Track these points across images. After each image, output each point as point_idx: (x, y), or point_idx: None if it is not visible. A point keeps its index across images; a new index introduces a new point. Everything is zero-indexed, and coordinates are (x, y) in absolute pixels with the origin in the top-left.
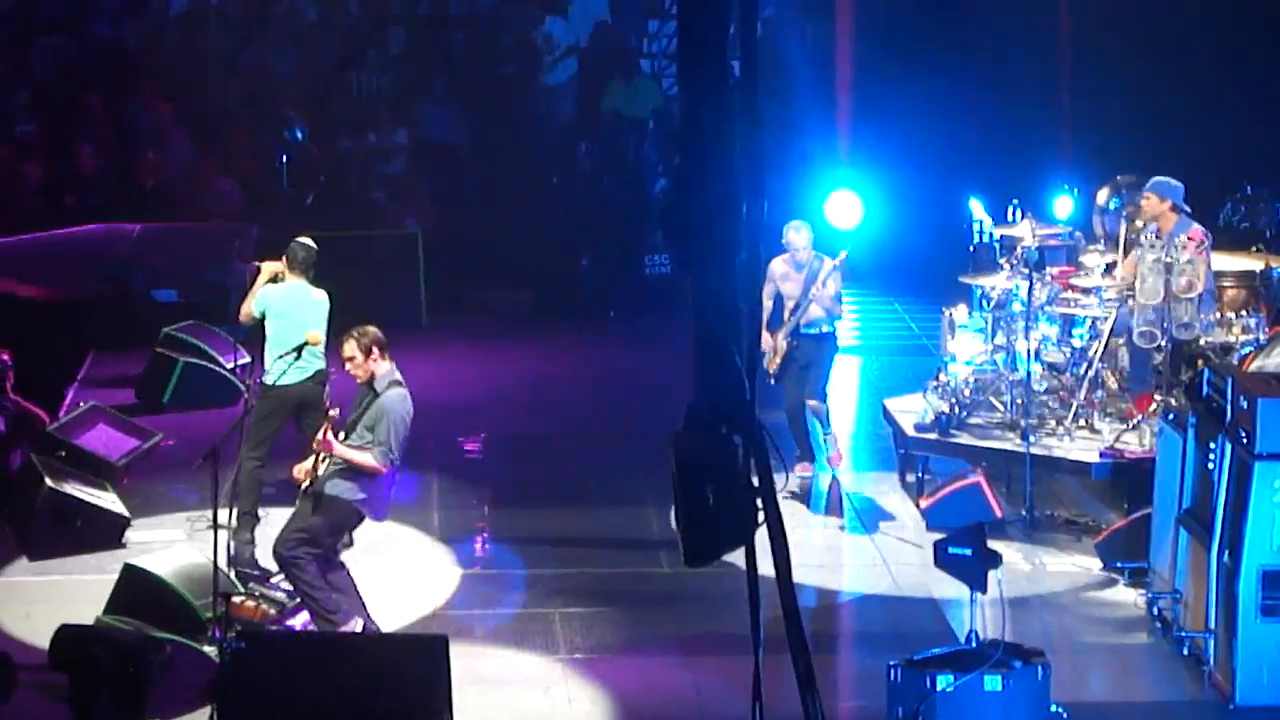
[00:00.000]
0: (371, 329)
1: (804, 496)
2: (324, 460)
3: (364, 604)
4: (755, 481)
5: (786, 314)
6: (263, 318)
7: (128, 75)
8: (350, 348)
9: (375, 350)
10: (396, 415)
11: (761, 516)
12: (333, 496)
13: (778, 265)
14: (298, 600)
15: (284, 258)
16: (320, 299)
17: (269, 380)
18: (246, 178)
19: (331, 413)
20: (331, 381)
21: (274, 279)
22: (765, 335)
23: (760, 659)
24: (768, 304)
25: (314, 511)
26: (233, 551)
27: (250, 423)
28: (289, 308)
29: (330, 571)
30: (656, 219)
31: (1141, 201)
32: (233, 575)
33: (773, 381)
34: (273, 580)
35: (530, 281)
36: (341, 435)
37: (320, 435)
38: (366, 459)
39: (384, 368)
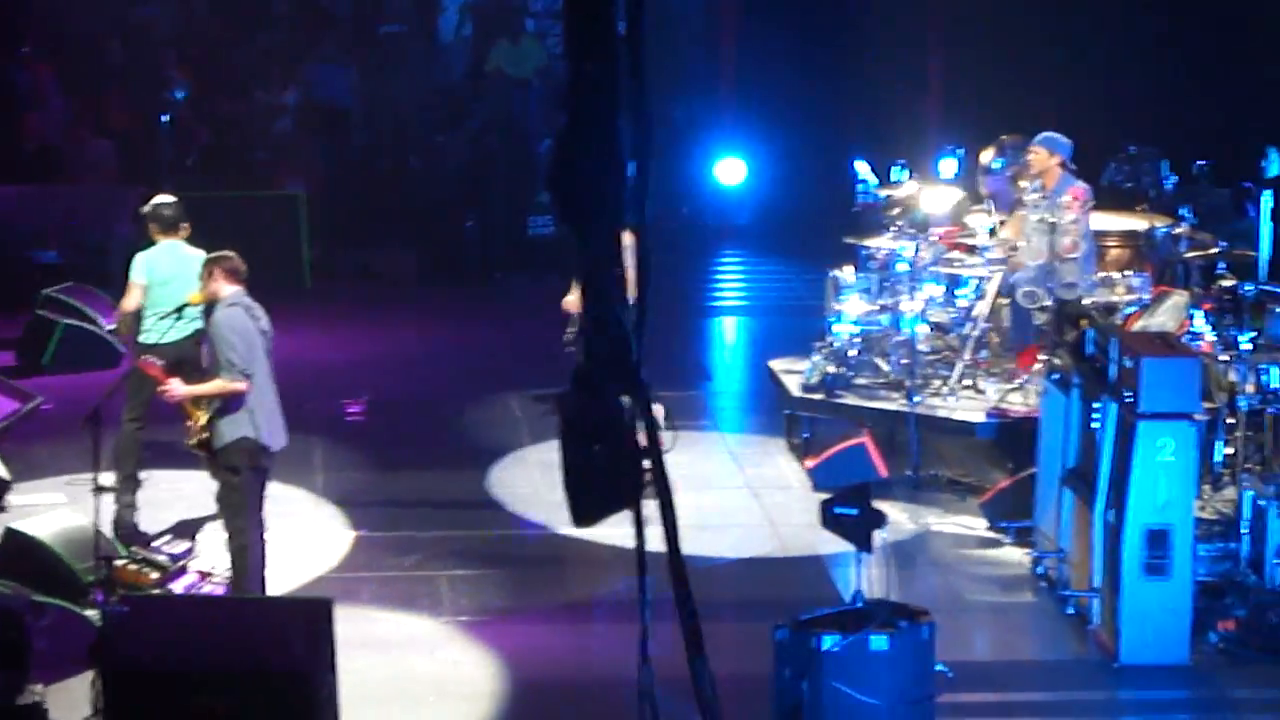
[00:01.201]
0: (229, 255)
1: None
2: (200, 415)
3: (265, 568)
4: (642, 442)
5: None
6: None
7: (6, 36)
8: (203, 271)
9: (218, 273)
10: (224, 329)
11: (649, 478)
12: (227, 445)
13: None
14: (181, 563)
15: (149, 224)
16: (197, 256)
17: (148, 340)
18: (127, 139)
19: (145, 359)
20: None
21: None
22: (573, 300)
23: (647, 622)
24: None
25: (227, 468)
26: (115, 515)
27: (129, 384)
28: (169, 271)
29: (256, 528)
30: (541, 180)
31: (1029, 155)
32: (115, 539)
33: (568, 349)
34: (155, 544)
35: (415, 243)
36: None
37: (163, 391)
38: (215, 385)
39: (227, 291)
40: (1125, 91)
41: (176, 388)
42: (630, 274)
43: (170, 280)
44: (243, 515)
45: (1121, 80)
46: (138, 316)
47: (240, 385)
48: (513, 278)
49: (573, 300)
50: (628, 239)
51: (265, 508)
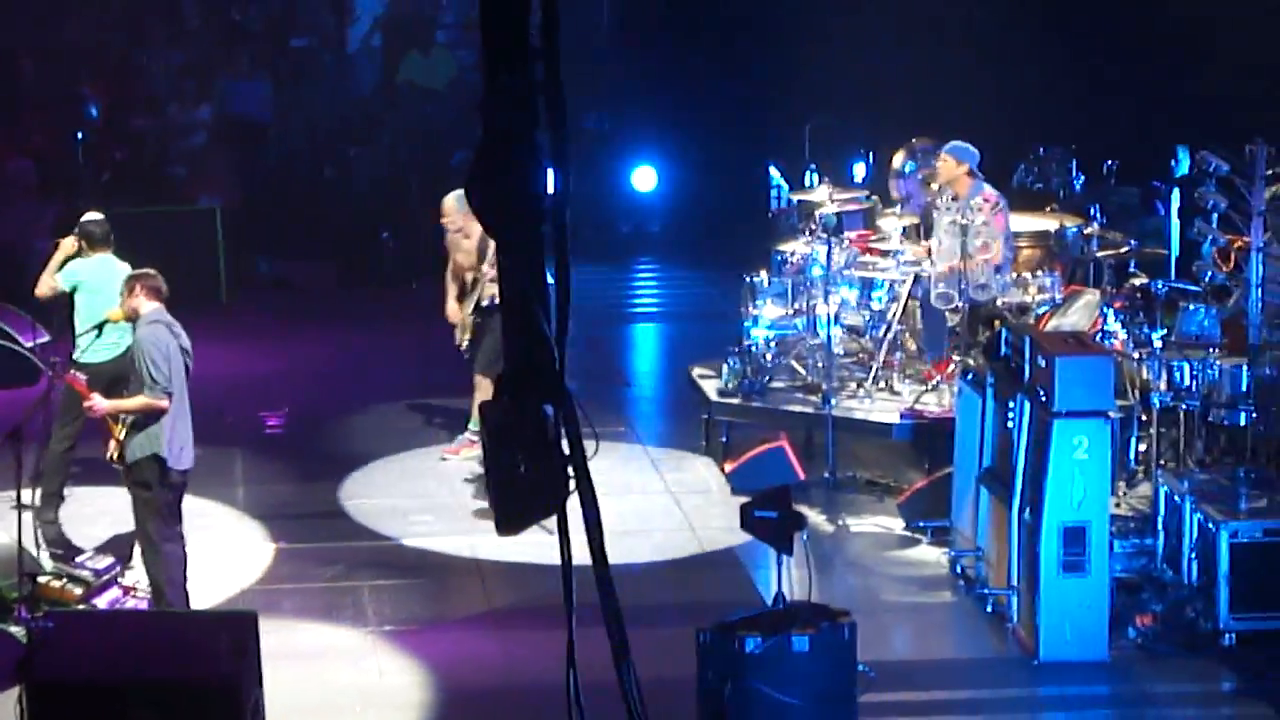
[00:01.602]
0: (150, 272)
1: None
2: (120, 429)
3: (186, 581)
4: (566, 450)
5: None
6: (73, 292)
7: None
8: (124, 286)
9: (139, 289)
10: (147, 346)
11: (572, 485)
12: (139, 459)
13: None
14: (105, 579)
15: (79, 240)
16: (125, 270)
17: (77, 357)
18: (42, 157)
19: (72, 374)
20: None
21: (70, 257)
22: (453, 309)
23: (573, 628)
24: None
25: (140, 484)
26: (37, 531)
27: (60, 402)
28: (101, 283)
29: (172, 543)
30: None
31: (937, 164)
32: (41, 555)
33: (466, 357)
34: (79, 560)
35: (332, 254)
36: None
37: (85, 404)
38: (138, 402)
39: (148, 308)
40: (1033, 91)
41: (99, 402)
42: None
43: (99, 290)
44: (154, 528)
45: (1029, 80)
46: (70, 322)
47: (163, 403)
48: (431, 286)
49: (453, 309)
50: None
51: (183, 521)
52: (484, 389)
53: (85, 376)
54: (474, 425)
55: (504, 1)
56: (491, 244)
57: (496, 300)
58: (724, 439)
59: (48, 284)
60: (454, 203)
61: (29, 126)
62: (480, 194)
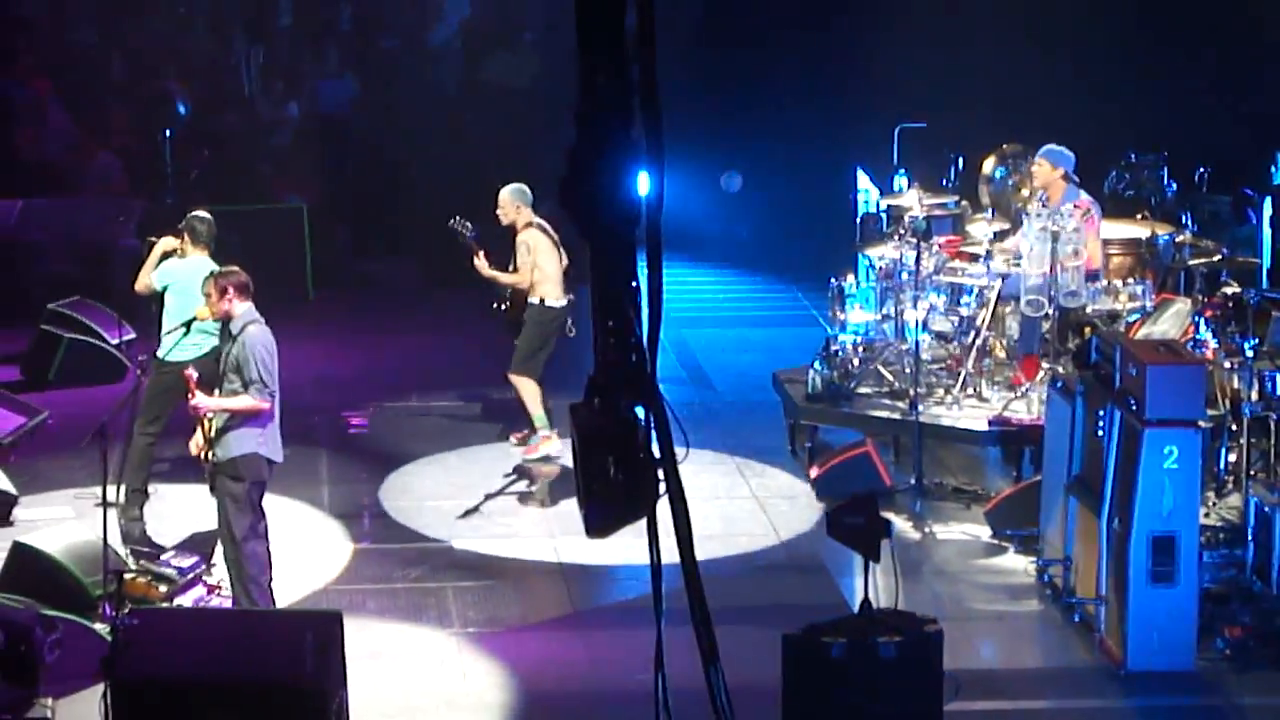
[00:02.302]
0: (235, 270)
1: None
2: (210, 425)
3: (271, 579)
4: (656, 452)
5: None
6: (164, 291)
7: (4, 51)
8: (208, 286)
9: (231, 291)
10: (258, 349)
11: (663, 487)
12: (234, 457)
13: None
14: (189, 576)
15: (183, 234)
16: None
17: (162, 354)
18: (130, 153)
19: (187, 372)
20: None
21: (168, 254)
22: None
23: (662, 630)
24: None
25: (230, 480)
26: (122, 529)
27: (144, 398)
28: (191, 282)
29: (257, 540)
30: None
31: (1033, 168)
32: (124, 552)
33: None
34: (163, 557)
35: (416, 253)
36: (216, 391)
37: (190, 401)
38: (245, 402)
39: (240, 309)
40: (1125, 97)
41: (203, 401)
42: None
43: (189, 290)
44: (241, 526)
45: (1121, 86)
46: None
47: (266, 404)
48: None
49: (482, 264)
50: (547, 225)
51: (266, 519)
52: (520, 386)
53: (196, 374)
54: (539, 422)
55: (601, 5)
56: (530, 242)
57: (532, 298)
58: (810, 444)
59: (144, 281)
60: (506, 195)
61: (118, 123)
62: (574, 195)
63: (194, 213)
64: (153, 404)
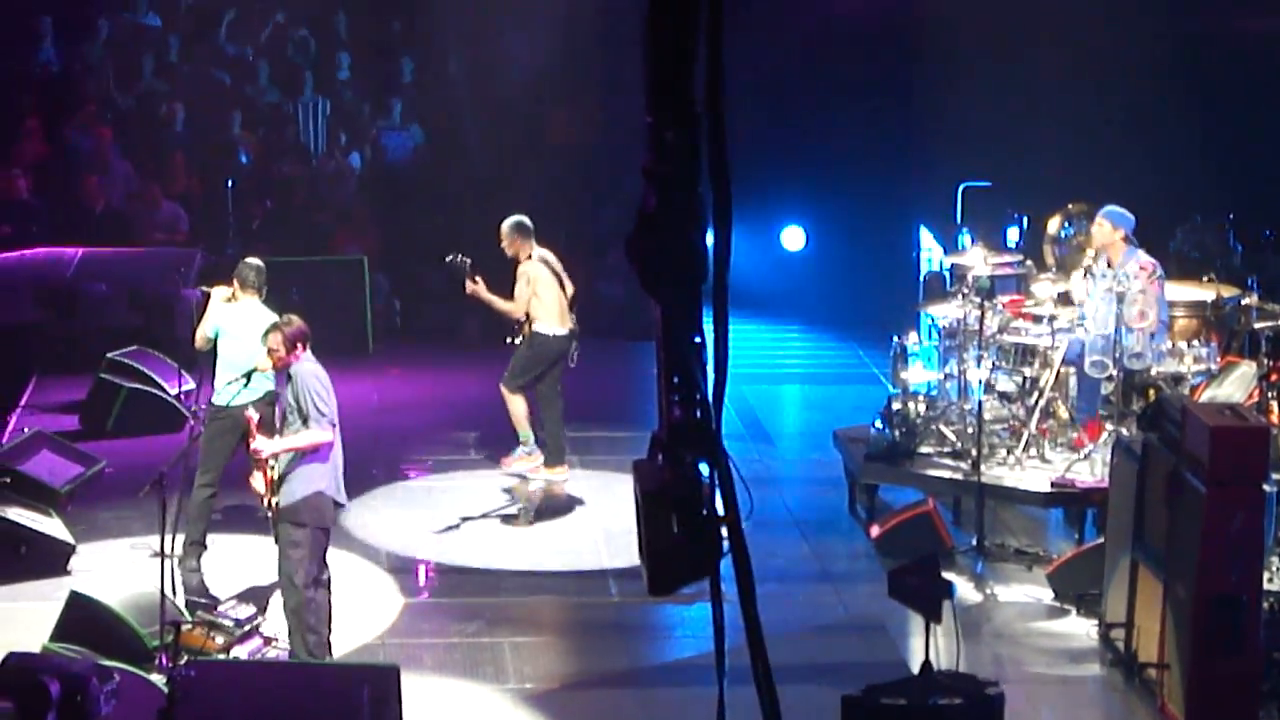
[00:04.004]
0: (296, 320)
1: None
2: (272, 468)
3: (330, 632)
4: (720, 509)
5: None
6: (216, 338)
7: (67, 99)
8: (275, 339)
9: (299, 345)
10: (310, 381)
11: (727, 545)
12: (299, 501)
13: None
14: (247, 628)
15: (234, 280)
16: (271, 317)
17: (220, 402)
18: (192, 202)
19: (248, 414)
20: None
21: (225, 302)
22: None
23: (724, 690)
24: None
25: (294, 526)
26: (179, 579)
27: (201, 448)
28: (242, 329)
29: (318, 589)
30: (608, 244)
31: (1093, 228)
32: (181, 603)
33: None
34: (220, 608)
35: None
36: (277, 436)
37: (251, 444)
38: (307, 438)
39: (301, 359)
40: (1190, 159)
41: (265, 444)
42: (566, 296)
43: (240, 335)
44: (303, 573)
45: (1186, 148)
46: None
47: (328, 435)
48: (581, 339)
49: (477, 288)
50: (551, 257)
51: (329, 570)
52: (509, 401)
53: (258, 416)
54: (524, 437)
55: (670, 59)
56: (530, 273)
57: (532, 327)
58: (871, 504)
59: (201, 335)
60: (507, 228)
61: (180, 172)
62: (640, 252)
63: (246, 260)
64: (210, 454)
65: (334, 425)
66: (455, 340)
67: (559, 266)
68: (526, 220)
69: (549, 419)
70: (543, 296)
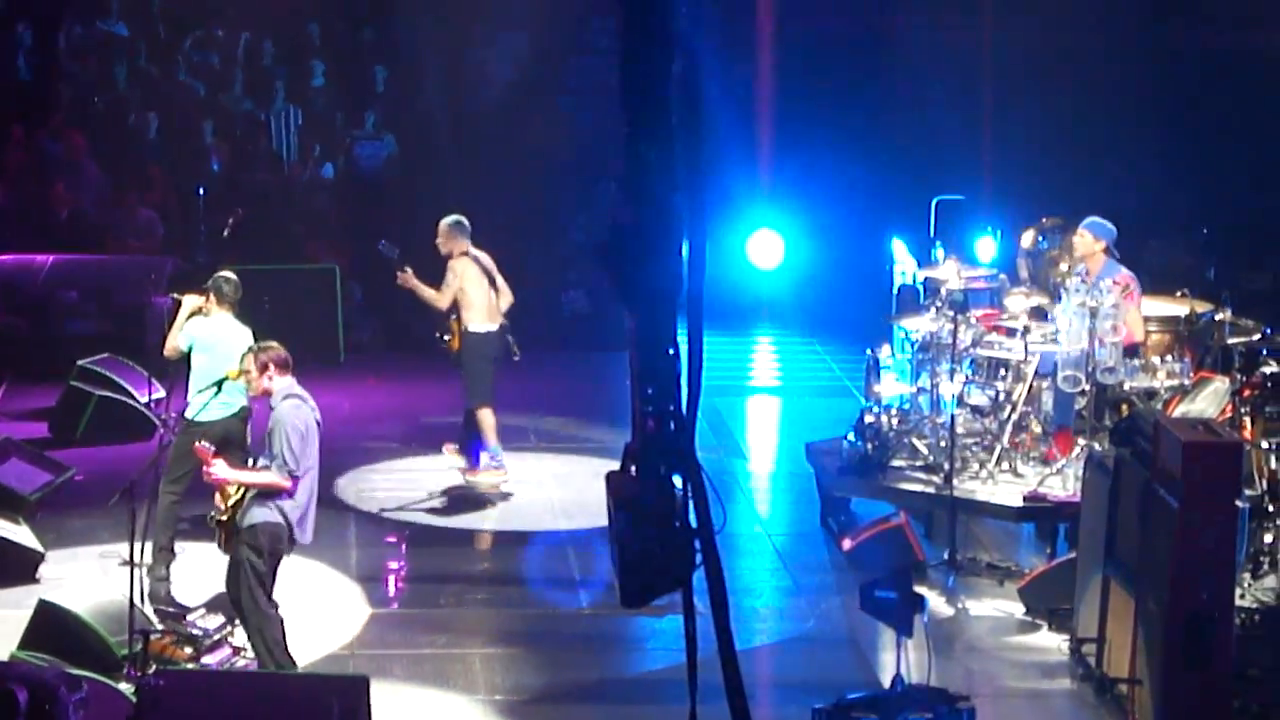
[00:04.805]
0: (274, 345)
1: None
2: (235, 492)
3: (286, 644)
4: (693, 522)
5: None
6: (189, 351)
7: (38, 107)
8: (247, 362)
9: (271, 367)
10: (288, 426)
11: (699, 558)
12: (259, 524)
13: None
14: (215, 638)
15: (209, 293)
16: (245, 334)
17: (190, 415)
18: (165, 210)
19: (199, 445)
20: (253, 417)
21: (195, 313)
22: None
23: (696, 704)
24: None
25: (249, 549)
26: (148, 588)
27: (170, 456)
28: (215, 342)
29: (271, 605)
30: (578, 255)
31: (1074, 238)
32: (149, 612)
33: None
34: (189, 618)
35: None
36: (250, 461)
37: (205, 472)
38: (263, 478)
39: (281, 384)
40: (1162, 175)
41: (220, 471)
42: (496, 296)
43: (212, 348)
44: (258, 594)
45: (1159, 162)
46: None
47: (285, 484)
48: (547, 352)
49: (406, 276)
50: (485, 258)
51: (275, 591)
52: (481, 417)
53: (211, 446)
54: (495, 450)
55: (646, 74)
56: (456, 268)
57: (464, 328)
58: (842, 517)
59: (172, 344)
60: (444, 226)
61: (151, 179)
62: (615, 262)
63: (220, 273)
64: (178, 463)
65: (308, 472)
66: (426, 349)
67: (493, 268)
68: (464, 220)
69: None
70: (470, 294)
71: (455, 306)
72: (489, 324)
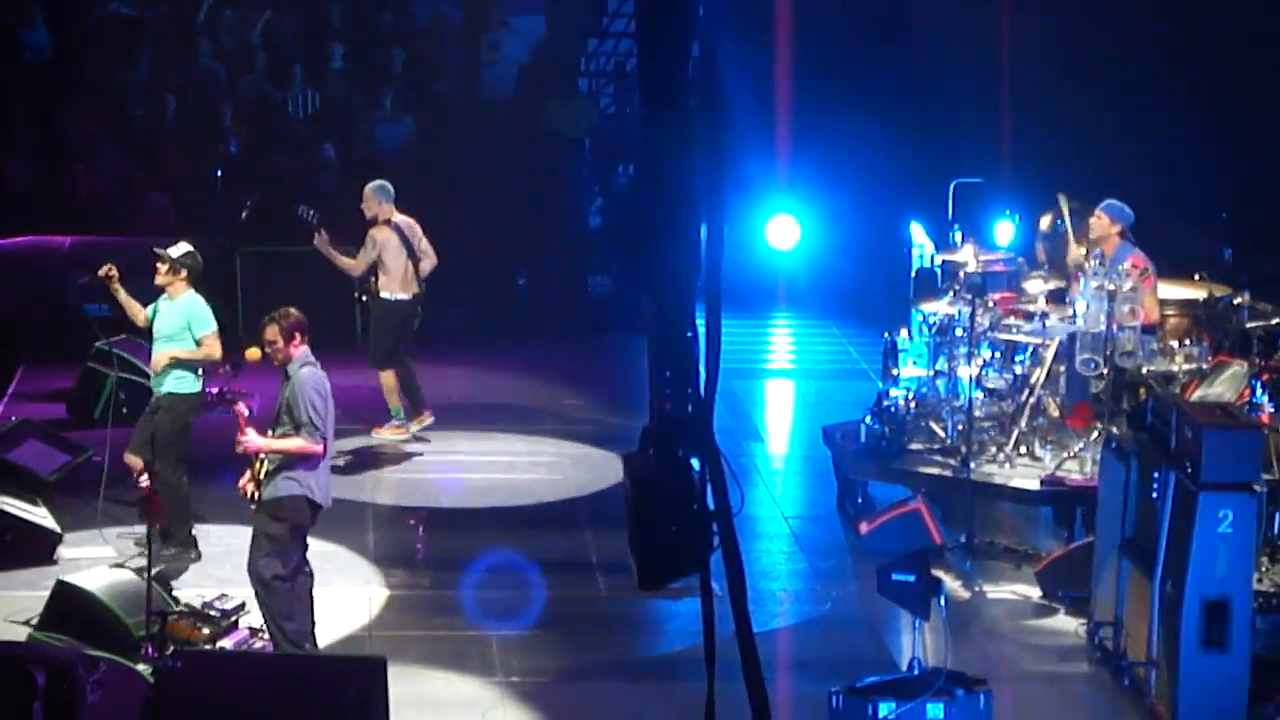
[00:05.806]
0: (294, 311)
1: None
2: (261, 465)
3: (314, 623)
4: (711, 505)
5: None
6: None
7: (56, 88)
8: (273, 331)
9: (297, 335)
10: (310, 389)
11: (717, 540)
12: (280, 498)
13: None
14: (233, 619)
15: (185, 271)
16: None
17: (174, 389)
18: (180, 192)
19: (238, 407)
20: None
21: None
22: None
23: (714, 685)
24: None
25: (272, 520)
26: (166, 568)
27: (162, 438)
28: (183, 315)
29: (299, 579)
30: (599, 239)
31: (1091, 220)
32: (166, 593)
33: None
34: (207, 600)
35: (465, 299)
36: (269, 431)
37: (239, 440)
38: (295, 443)
39: (300, 352)
40: (1182, 158)
41: (253, 439)
42: (420, 263)
43: (180, 323)
44: (274, 567)
45: (1179, 146)
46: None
47: (318, 447)
48: (571, 335)
49: (321, 241)
50: (406, 221)
51: (309, 566)
52: (383, 379)
53: (247, 410)
54: (395, 412)
55: (664, 54)
56: (376, 237)
57: (381, 294)
58: (860, 500)
59: (144, 314)
60: (369, 191)
61: (169, 161)
62: (633, 246)
63: (185, 249)
64: (175, 441)
65: (325, 438)
66: (443, 333)
67: (416, 235)
68: (388, 185)
69: (403, 377)
70: (387, 262)
71: (374, 270)
72: (401, 293)
